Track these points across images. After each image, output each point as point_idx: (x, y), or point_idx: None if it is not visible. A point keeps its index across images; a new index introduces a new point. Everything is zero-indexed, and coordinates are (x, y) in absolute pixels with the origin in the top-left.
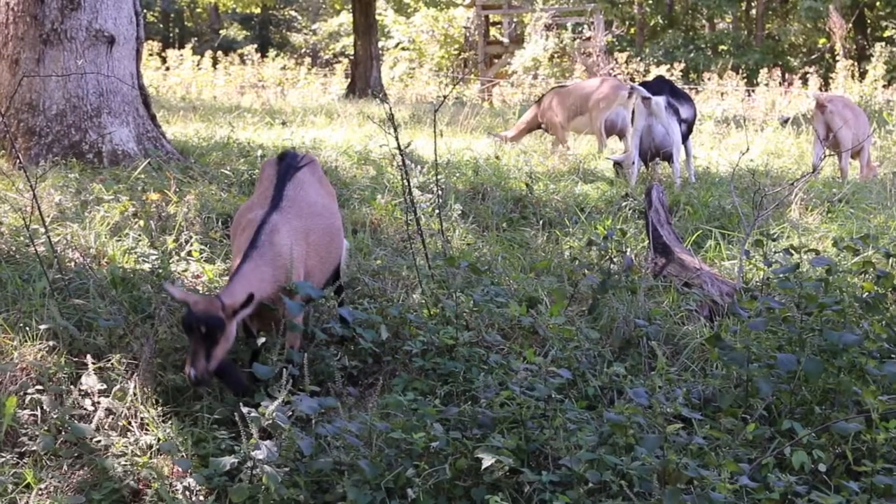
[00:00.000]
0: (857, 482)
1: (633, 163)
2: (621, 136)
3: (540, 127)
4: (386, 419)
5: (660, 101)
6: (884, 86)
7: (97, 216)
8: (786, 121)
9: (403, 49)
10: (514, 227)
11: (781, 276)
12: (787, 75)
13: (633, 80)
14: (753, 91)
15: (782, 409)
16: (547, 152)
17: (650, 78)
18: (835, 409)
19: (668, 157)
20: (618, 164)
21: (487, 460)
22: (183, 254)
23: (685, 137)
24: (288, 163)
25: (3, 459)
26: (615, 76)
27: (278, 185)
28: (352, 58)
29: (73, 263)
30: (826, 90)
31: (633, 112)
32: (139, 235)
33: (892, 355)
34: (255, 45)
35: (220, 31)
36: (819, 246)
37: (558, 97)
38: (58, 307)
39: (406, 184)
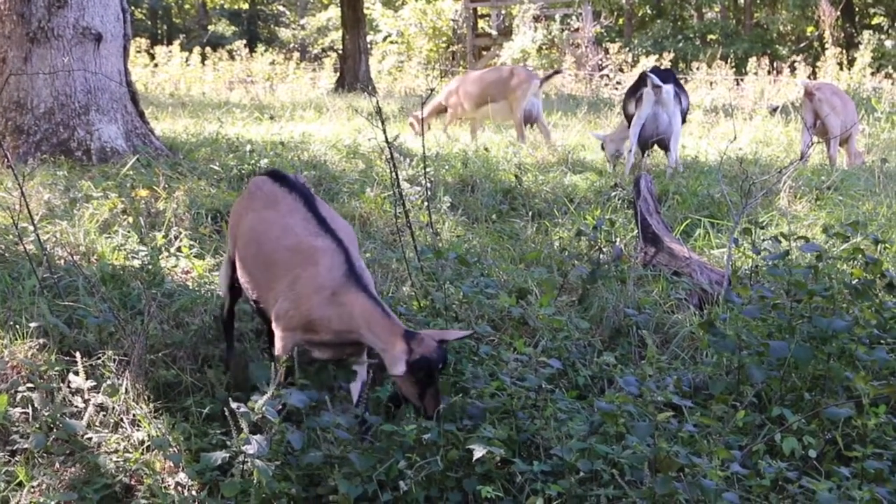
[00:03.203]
0: (848, 467)
1: (632, 150)
2: (534, 124)
3: (446, 111)
4: (377, 412)
5: (670, 90)
6: (872, 73)
7: (86, 213)
8: (774, 109)
9: (392, 42)
10: (504, 218)
11: (771, 263)
12: (775, 64)
13: (621, 71)
14: (742, 80)
15: (773, 395)
16: (535, 143)
17: (639, 69)
18: (825, 396)
19: (665, 146)
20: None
21: (479, 451)
22: (172, 250)
23: None
24: (297, 182)
25: None
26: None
27: (314, 208)
28: (340, 52)
29: (62, 261)
30: (814, 78)
31: (640, 99)
32: (128, 232)
33: (882, 341)
34: (244, 41)
35: (209, 27)
36: (808, 233)
37: (465, 83)
38: (48, 305)
39: (395, 177)
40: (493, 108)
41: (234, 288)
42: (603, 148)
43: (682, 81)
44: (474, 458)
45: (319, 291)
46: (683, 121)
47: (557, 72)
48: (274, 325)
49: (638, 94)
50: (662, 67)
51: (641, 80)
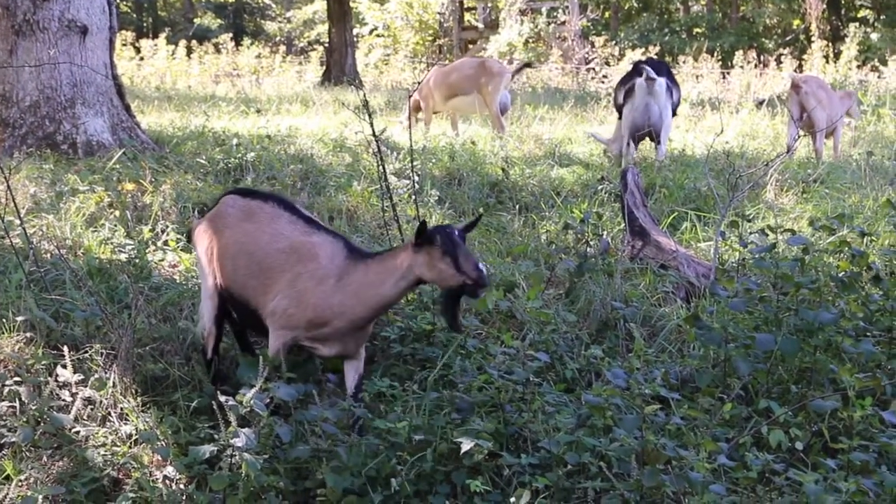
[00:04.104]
0: (834, 459)
1: (628, 144)
2: (503, 114)
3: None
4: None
5: (662, 82)
6: (858, 66)
7: (72, 207)
8: (761, 102)
9: (378, 36)
10: (491, 211)
11: (758, 256)
12: (762, 57)
13: (608, 64)
14: (728, 73)
15: (759, 388)
16: (522, 136)
17: (625, 62)
18: (811, 388)
19: (654, 137)
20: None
21: (467, 444)
22: (159, 243)
23: None
24: (269, 192)
25: None
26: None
27: (297, 211)
28: (326, 45)
29: (48, 255)
30: (801, 71)
31: (631, 90)
32: (115, 226)
33: (868, 333)
34: (230, 34)
35: (194, 20)
36: (795, 226)
37: (436, 76)
38: (34, 299)
39: (382, 170)
40: (464, 101)
41: (220, 320)
42: (606, 153)
43: (673, 74)
44: (462, 452)
45: (323, 282)
46: (674, 114)
47: (528, 64)
48: (269, 323)
49: (629, 85)
50: (657, 59)
51: (635, 71)
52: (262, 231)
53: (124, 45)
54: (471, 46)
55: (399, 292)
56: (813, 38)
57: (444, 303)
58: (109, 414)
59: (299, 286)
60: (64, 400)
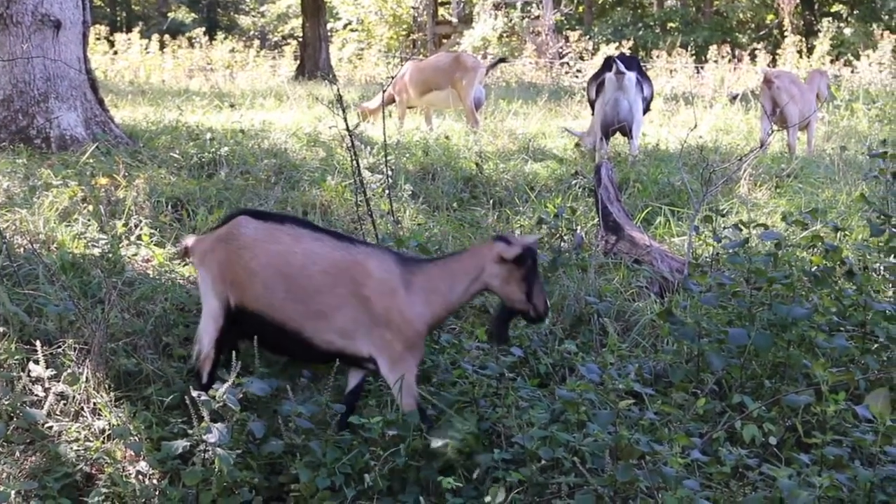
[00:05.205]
0: (808, 454)
1: (600, 138)
2: (478, 109)
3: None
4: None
5: (632, 77)
6: (831, 61)
7: (46, 201)
8: (734, 97)
9: (352, 30)
10: (465, 206)
11: (731, 251)
12: (735, 52)
13: (582, 59)
14: (702, 68)
15: (733, 383)
16: (496, 131)
17: (599, 57)
18: (785, 383)
19: (626, 132)
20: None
21: (436, 442)
22: (133, 238)
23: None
24: (279, 213)
25: None
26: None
27: (317, 228)
28: (300, 40)
29: (21, 249)
30: (774, 66)
31: (601, 85)
32: (88, 220)
33: (841, 328)
34: (204, 29)
35: (168, 15)
36: (768, 221)
37: (411, 71)
38: (7, 293)
39: (356, 165)
40: (439, 96)
41: (220, 343)
42: (577, 145)
43: (644, 69)
44: (432, 447)
45: (395, 295)
46: (647, 109)
47: (503, 59)
48: (382, 367)
49: (600, 80)
50: (629, 54)
51: (606, 65)
52: (292, 252)
53: (98, 39)
54: (444, 41)
55: (468, 297)
56: (786, 33)
57: (498, 315)
58: (82, 409)
59: (375, 308)
60: (37, 395)
